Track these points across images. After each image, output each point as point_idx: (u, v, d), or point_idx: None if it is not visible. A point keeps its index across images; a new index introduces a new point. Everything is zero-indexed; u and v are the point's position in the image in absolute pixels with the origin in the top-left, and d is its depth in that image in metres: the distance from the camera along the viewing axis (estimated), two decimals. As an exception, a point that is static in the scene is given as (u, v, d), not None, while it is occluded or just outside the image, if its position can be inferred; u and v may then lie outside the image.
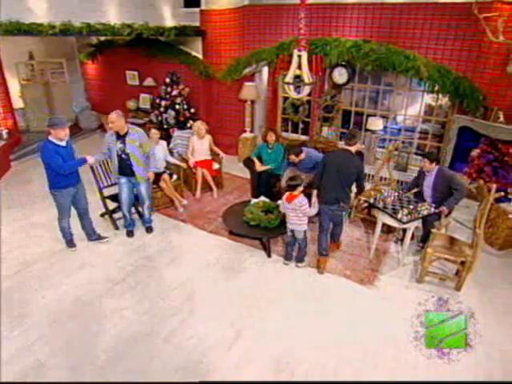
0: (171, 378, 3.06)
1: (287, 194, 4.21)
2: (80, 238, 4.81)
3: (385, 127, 7.03)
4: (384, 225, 4.67)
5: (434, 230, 4.36)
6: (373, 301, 3.99)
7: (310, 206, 4.19)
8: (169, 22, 8.04)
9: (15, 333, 3.45)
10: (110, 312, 3.75)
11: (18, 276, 4.22)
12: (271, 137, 5.81)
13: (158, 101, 7.74)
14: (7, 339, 3.37)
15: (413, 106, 6.72)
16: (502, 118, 5.24)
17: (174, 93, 7.51)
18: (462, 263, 4.02)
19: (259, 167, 5.82)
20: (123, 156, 4.60)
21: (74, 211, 4.60)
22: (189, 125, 7.50)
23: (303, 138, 7.57)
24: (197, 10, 7.65)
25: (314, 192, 4.43)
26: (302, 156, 4.95)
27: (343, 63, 6.28)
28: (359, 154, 5.33)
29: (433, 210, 4.42)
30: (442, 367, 2.93)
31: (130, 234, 5.08)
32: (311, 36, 6.20)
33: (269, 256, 4.69)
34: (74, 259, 4.57)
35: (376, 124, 6.50)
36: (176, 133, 7.23)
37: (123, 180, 4.76)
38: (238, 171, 7.25)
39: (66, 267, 4.41)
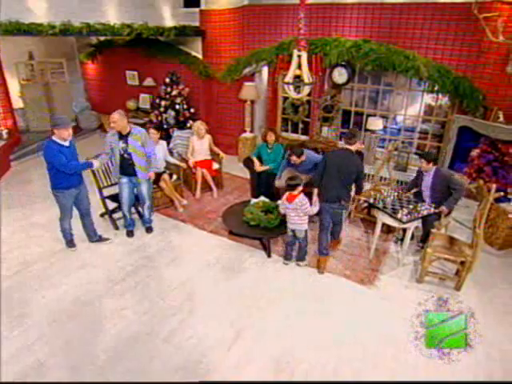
0: (171, 378, 3.06)
1: (287, 193, 4.21)
2: (80, 238, 4.81)
3: (384, 127, 7.03)
4: (384, 225, 4.67)
5: (433, 230, 4.37)
6: (373, 301, 3.99)
7: (310, 204, 4.20)
8: (168, 21, 8.04)
9: (15, 333, 3.45)
10: (109, 312, 3.74)
11: (18, 276, 4.22)
12: (271, 137, 5.81)
13: (157, 101, 7.74)
14: (7, 339, 3.37)
15: (413, 106, 6.72)
16: (501, 118, 5.25)
17: (174, 93, 7.51)
18: (462, 263, 4.02)
19: (258, 167, 5.82)
20: (125, 156, 4.60)
21: (75, 211, 4.59)
22: (189, 125, 7.50)
23: (303, 137, 7.57)
24: (196, 9, 7.65)
25: (315, 191, 4.45)
26: (303, 157, 4.95)
27: (343, 63, 6.28)
28: (359, 153, 5.33)
29: (432, 209, 4.43)
30: (442, 367, 2.92)
31: (129, 234, 5.08)
32: (311, 36, 6.20)
33: (269, 256, 4.69)
34: (74, 259, 4.57)
35: (376, 124, 6.50)
36: (176, 133, 7.23)
37: (124, 180, 4.77)
38: (237, 171, 7.25)
39: (66, 267, 4.41)
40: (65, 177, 4.19)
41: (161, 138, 5.99)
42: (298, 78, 4.88)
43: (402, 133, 6.95)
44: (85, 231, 4.80)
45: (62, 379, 3.03)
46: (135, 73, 9.20)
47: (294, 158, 4.92)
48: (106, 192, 5.23)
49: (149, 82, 8.94)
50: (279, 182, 5.29)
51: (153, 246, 4.88)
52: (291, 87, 4.89)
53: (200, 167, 6.14)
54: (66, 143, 4.16)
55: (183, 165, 6.09)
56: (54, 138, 4.10)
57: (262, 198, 5.18)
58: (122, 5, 7.28)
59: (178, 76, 7.59)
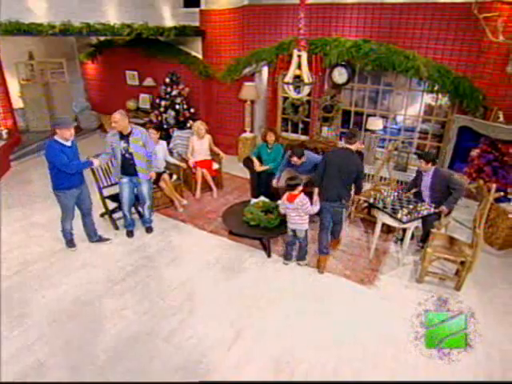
0: (171, 378, 3.06)
1: (287, 193, 4.22)
2: (80, 238, 4.81)
3: (384, 127, 7.03)
4: (384, 225, 4.67)
5: (433, 230, 4.37)
6: (373, 301, 3.99)
7: (311, 204, 4.22)
8: (168, 21, 8.04)
9: (15, 333, 3.45)
10: (109, 312, 3.75)
11: (18, 276, 4.22)
12: (271, 137, 5.81)
13: (157, 101, 7.74)
14: (7, 339, 3.37)
15: (412, 106, 6.72)
16: (501, 118, 5.25)
17: (174, 93, 7.51)
18: (462, 263, 4.02)
19: (258, 167, 5.82)
20: (127, 156, 4.61)
21: (77, 211, 4.60)
22: (188, 125, 7.50)
23: (303, 137, 7.57)
24: (196, 9, 7.65)
25: (316, 190, 4.47)
26: (304, 158, 4.97)
27: (343, 63, 6.29)
28: (359, 153, 5.34)
29: (432, 209, 4.43)
30: (442, 367, 2.93)
31: (129, 234, 5.09)
32: (311, 36, 6.19)
33: (269, 256, 4.69)
34: (74, 259, 4.57)
35: (376, 124, 6.50)
36: (176, 133, 7.23)
37: (125, 180, 4.77)
38: (237, 171, 7.25)
39: (66, 267, 4.41)
40: (66, 177, 4.19)
41: (161, 137, 5.99)
42: (297, 77, 4.88)
43: (401, 133, 6.96)
44: (85, 231, 4.81)
45: (62, 379, 3.03)
46: (135, 73, 9.20)
47: (294, 159, 4.92)
48: (106, 192, 5.23)
49: (149, 82, 8.94)
50: (279, 183, 5.30)
51: (153, 246, 4.88)
52: (291, 87, 4.89)
53: (200, 167, 6.14)
54: (68, 143, 4.18)
55: (183, 165, 6.10)
56: (56, 137, 4.11)
57: (262, 198, 5.19)
58: (121, 5, 7.28)
59: (178, 76, 7.59)
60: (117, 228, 5.21)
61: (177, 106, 7.52)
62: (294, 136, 7.74)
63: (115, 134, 4.56)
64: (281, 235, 4.84)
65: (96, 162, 4.50)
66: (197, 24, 7.72)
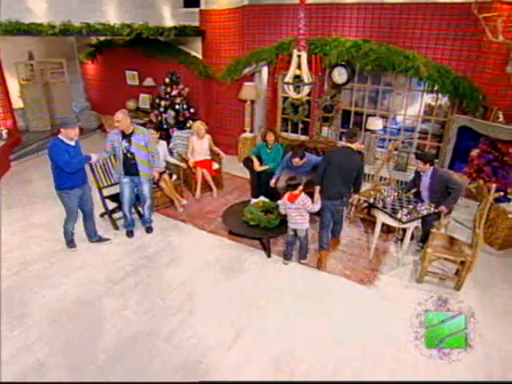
0: (171, 378, 3.06)
1: (288, 194, 4.23)
2: (80, 238, 4.81)
3: (384, 127, 7.04)
4: (384, 225, 4.67)
5: (433, 230, 4.37)
6: (373, 301, 3.99)
7: (312, 202, 4.26)
8: (168, 21, 8.04)
9: (15, 333, 3.45)
10: (109, 312, 3.75)
11: (18, 276, 4.22)
12: (270, 137, 5.81)
13: (157, 101, 7.74)
14: (7, 339, 3.37)
15: (412, 106, 6.73)
16: (501, 118, 5.25)
17: (174, 93, 7.51)
18: (462, 263, 4.02)
19: (258, 167, 5.82)
20: (128, 155, 4.61)
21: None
22: (188, 125, 7.50)
23: (303, 137, 7.57)
24: (196, 9, 7.65)
25: (317, 188, 4.51)
26: (305, 159, 5.01)
27: (343, 63, 6.29)
28: (359, 153, 5.34)
29: (432, 209, 4.43)
30: (442, 367, 2.93)
31: (129, 234, 5.08)
32: (311, 36, 6.20)
33: (268, 256, 4.69)
34: (74, 259, 4.57)
35: (376, 124, 6.51)
36: (176, 133, 7.23)
37: (125, 179, 4.78)
38: (237, 171, 7.25)
39: (66, 267, 4.41)
40: (68, 177, 4.20)
41: (161, 137, 5.99)
42: (297, 78, 4.88)
43: (401, 133, 6.96)
44: (85, 231, 4.81)
45: (62, 379, 3.03)
46: (135, 73, 9.21)
47: (296, 160, 4.95)
48: (106, 192, 5.22)
49: (149, 82, 8.95)
50: (279, 183, 5.30)
51: (153, 246, 4.88)
52: (291, 87, 4.89)
53: (200, 167, 6.14)
54: (72, 143, 4.19)
55: (183, 165, 6.10)
56: (60, 136, 4.13)
57: (262, 198, 5.19)
58: (121, 5, 7.28)
59: (177, 76, 7.59)
60: (117, 228, 5.21)
61: (177, 106, 7.52)
62: (293, 136, 7.73)
63: (118, 133, 4.57)
64: (281, 235, 4.84)
65: (94, 158, 4.50)
66: (197, 24, 7.73)
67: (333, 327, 3.61)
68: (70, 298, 3.91)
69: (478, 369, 3.18)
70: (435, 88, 5.79)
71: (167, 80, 7.53)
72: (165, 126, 7.51)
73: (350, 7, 6.17)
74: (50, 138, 8.34)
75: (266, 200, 5.11)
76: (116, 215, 5.28)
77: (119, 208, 5.17)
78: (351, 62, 6.20)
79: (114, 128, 4.63)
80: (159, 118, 7.66)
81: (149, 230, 5.20)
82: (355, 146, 4.37)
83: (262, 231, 4.63)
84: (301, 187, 4.19)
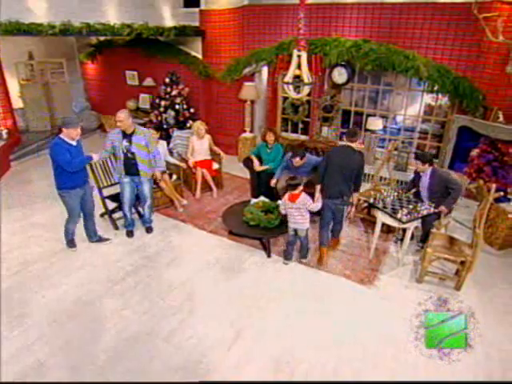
0: (171, 378, 3.06)
1: (288, 194, 4.24)
2: (80, 238, 4.80)
3: (384, 127, 7.04)
4: (384, 225, 4.67)
5: (433, 230, 4.38)
6: (373, 301, 3.99)
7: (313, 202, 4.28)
8: (168, 21, 8.04)
9: (15, 333, 3.45)
10: (110, 312, 3.75)
11: (18, 276, 4.22)
12: (270, 137, 5.81)
13: (157, 101, 7.73)
14: (7, 339, 3.37)
15: (412, 106, 6.72)
16: (501, 118, 5.25)
17: (174, 93, 7.51)
18: (462, 263, 4.02)
19: (258, 167, 5.82)
20: (129, 155, 4.62)
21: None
22: (188, 125, 7.50)
23: (303, 137, 7.57)
24: (196, 9, 7.65)
25: (318, 187, 4.53)
26: (305, 159, 5.03)
27: (343, 63, 6.29)
28: (359, 153, 5.35)
29: (432, 209, 4.43)
30: (442, 367, 2.93)
31: (129, 234, 5.09)
32: (311, 36, 6.20)
33: (269, 256, 4.69)
34: (74, 259, 4.56)
35: (376, 124, 6.50)
36: (176, 133, 7.22)
37: (126, 179, 4.78)
38: (237, 171, 7.25)
39: (66, 267, 4.41)
40: (69, 176, 4.20)
41: (161, 137, 5.99)
42: (297, 78, 4.88)
43: (401, 133, 6.96)
44: (85, 231, 4.81)
45: (62, 379, 3.03)
46: (135, 73, 9.20)
47: (297, 159, 4.97)
48: (106, 192, 5.22)
49: (149, 82, 8.95)
50: (279, 184, 5.31)
51: (153, 246, 4.88)
52: (291, 87, 4.89)
53: (200, 167, 6.14)
54: (74, 142, 4.20)
55: (183, 165, 6.10)
56: (62, 136, 4.13)
57: (262, 198, 5.19)
58: (121, 5, 7.28)
59: (177, 76, 7.59)
60: (117, 228, 5.21)
61: (177, 106, 7.52)
62: (293, 136, 7.73)
63: (118, 133, 4.58)
64: (281, 235, 4.84)
65: (95, 157, 4.52)
66: (197, 24, 7.73)
67: (333, 327, 3.61)
68: (70, 298, 3.91)
69: (478, 369, 3.18)
70: (435, 88, 5.79)
71: (167, 80, 7.53)
72: (165, 126, 7.51)
73: (350, 7, 6.17)
74: (49, 137, 8.35)
75: (266, 200, 5.11)
76: (116, 215, 5.28)
77: (119, 208, 5.17)
78: (351, 62, 6.20)
79: (113, 128, 4.63)
80: (159, 118, 7.66)
81: (149, 230, 5.20)
82: (355, 144, 4.39)
83: (262, 231, 4.62)
84: (301, 187, 4.20)
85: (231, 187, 6.68)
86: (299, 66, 4.77)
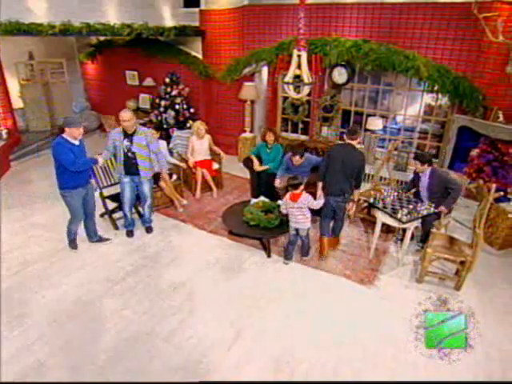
0: (171, 378, 3.06)
1: (290, 193, 4.25)
2: (81, 238, 4.80)
3: (384, 127, 7.04)
4: (384, 225, 4.67)
5: (433, 230, 4.37)
6: (373, 301, 3.99)
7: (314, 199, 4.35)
8: (168, 21, 8.04)
9: (15, 333, 3.45)
10: (110, 312, 3.75)
11: (18, 276, 4.22)
12: (270, 137, 5.80)
13: (157, 101, 7.74)
14: (7, 339, 3.37)
15: (412, 106, 6.72)
16: (501, 118, 5.24)
17: (174, 93, 7.52)
18: (462, 263, 4.02)
19: (258, 167, 5.82)
20: (129, 154, 4.62)
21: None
22: (188, 125, 7.50)
23: (303, 137, 7.57)
24: (196, 9, 7.65)
25: (319, 185, 4.60)
26: (304, 158, 5.08)
27: (343, 63, 6.28)
28: (360, 151, 5.37)
29: (432, 209, 4.43)
30: (442, 367, 2.93)
31: (129, 233, 5.08)
32: (311, 36, 6.20)
33: (269, 256, 4.69)
34: (74, 259, 4.56)
35: (375, 124, 6.50)
36: (176, 133, 7.23)
37: (126, 179, 4.78)
38: (237, 171, 7.25)
39: (66, 267, 4.41)
40: (72, 176, 4.20)
41: (161, 137, 5.99)
42: (297, 77, 4.88)
43: (401, 133, 6.96)
44: (86, 231, 4.81)
45: (62, 379, 3.03)
46: (135, 73, 9.20)
47: (297, 158, 5.02)
48: (106, 192, 5.22)
49: (149, 82, 8.95)
50: (280, 184, 5.32)
51: (153, 246, 4.88)
52: (291, 87, 4.89)
53: (200, 167, 6.14)
54: (76, 142, 4.20)
55: (183, 165, 6.10)
56: (64, 135, 4.13)
57: (262, 198, 5.19)
58: (121, 5, 7.28)
59: (177, 76, 7.59)
60: (117, 228, 5.21)
61: (177, 106, 7.52)
62: (293, 136, 7.73)
63: (119, 132, 4.58)
64: (281, 235, 4.84)
65: (101, 161, 4.53)
66: (197, 24, 7.72)
67: (333, 327, 3.61)
68: (70, 298, 3.91)
69: (478, 369, 3.18)
70: (435, 88, 5.79)
71: (167, 80, 7.54)
72: (165, 126, 7.51)
73: (350, 7, 6.17)
74: (49, 137, 8.36)
75: (266, 200, 5.11)
76: (116, 215, 5.28)
77: (119, 208, 5.17)
78: (351, 62, 6.20)
79: (113, 128, 4.63)
80: (159, 118, 7.66)
81: (149, 229, 5.20)
82: (356, 142, 4.42)
83: (262, 231, 4.62)
84: (302, 186, 4.23)
85: (231, 187, 6.68)
86: (299, 66, 4.77)
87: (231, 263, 4.56)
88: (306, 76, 4.75)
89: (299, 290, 4.13)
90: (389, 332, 3.54)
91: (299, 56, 4.72)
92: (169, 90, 7.53)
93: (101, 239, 4.89)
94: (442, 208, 4.41)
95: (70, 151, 4.09)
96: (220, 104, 8.16)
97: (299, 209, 4.23)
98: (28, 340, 3.37)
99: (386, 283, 4.26)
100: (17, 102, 8.56)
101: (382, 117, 6.81)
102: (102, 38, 9.16)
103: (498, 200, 4.77)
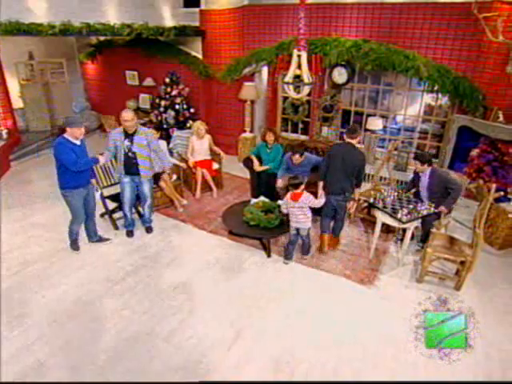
0: (171, 378, 3.06)
1: (290, 193, 4.26)
2: (81, 238, 4.79)
3: (384, 127, 7.04)
4: (384, 225, 4.67)
5: (433, 230, 4.37)
6: (373, 301, 3.99)
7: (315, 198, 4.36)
8: (168, 21, 8.04)
9: (15, 333, 3.45)
10: (110, 312, 3.75)
11: (18, 276, 4.22)
12: (270, 137, 5.80)
13: (157, 101, 7.74)
14: (7, 339, 3.37)
15: (412, 106, 6.72)
16: (501, 118, 5.24)
17: (174, 93, 7.52)
18: (462, 263, 4.02)
19: (258, 167, 5.82)
20: (130, 154, 4.62)
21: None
22: (188, 125, 7.51)
23: (303, 137, 7.57)
24: (196, 9, 7.66)
25: (321, 184, 4.63)
26: (304, 157, 5.08)
27: (343, 63, 6.28)
28: (360, 150, 5.39)
29: (432, 209, 4.43)
30: (442, 367, 2.93)
31: (129, 233, 5.08)
32: (311, 36, 6.19)
33: (269, 256, 4.69)
34: (74, 259, 4.56)
35: (376, 124, 6.50)
36: (176, 133, 7.23)
37: (126, 179, 4.78)
38: (237, 171, 7.25)
39: (66, 267, 4.41)
40: (73, 176, 4.19)
41: (161, 137, 5.99)
42: (297, 78, 4.88)
43: (401, 133, 6.96)
44: (86, 231, 4.80)
45: (62, 379, 3.03)
46: (135, 73, 9.21)
47: (296, 157, 5.05)
48: (106, 192, 5.22)
49: (149, 82, 8.95)
50: (280, 184, 5.33)
51: (153, 246, 4.88)
52: (291, 87, 4.89)
53: (200, 167, 6.14)
54: (78, 142, 4.19)
55: (183, 165, 6.10)
56: (65, 135, 4.12)
57: (262, 198, 5.18)
58: (121, 5, 7.28)
59: (177, 76, 7.59)
60: (117, 228, 5.21)
61: (177, 106, 7.53)
62: (293, 136, 7.73)
63: (120, 132, 4.58)
64: (281, 235, 4.84)
65: (102, 160, 4.52)
66: (197, 24, 7.73)
67: (333, 327, 3.61)
68: (70, 298, 3.91)
69: (478, 369, 3.18)
70: (435, 88, 5.79)
71: (167, 80, 7.54)
72: (165, 126, 7.51)
73: (350, 7, 6.17)
74: (50, 138, 8.36)
75: (266, 200, 5.11)
76: (116, 215, 5.28)
77: (119, 208, 5.17)
78: (351, 61, 6.20)
79: (113, 128, 4.63)
80: (159, 118, 7.66)
81: (149, 229, 5.20)
82: (356, 141, 4.45)
83: (262, 231, 4.62)
84: (303, 186, 4.25)
85: (231, 187, 6.68)
86: (299, 66, 4.77)
87: (231, 263, 4.56)
88: (306, 76, 4.75)
89: (299, 290, 4.13)
90: (389, 332, 3.54)
91: (299, 56, 4.72)
92: (169, 89, 7.53)
93: (101, 239, 4.89)
94: (442, 208, 4.41)
95: (71, 151, 4.09)
96: (220, 104, 8.16)
97: (300, 208, 4.23)
98: (28, 340, 3.37)
99: (386, 283, 4.26)
100: (17, 102, 8.56)
101: (382, 117, 6.81)
102: (101, 38, 9.16)
103: (497, 200, 4.77)
